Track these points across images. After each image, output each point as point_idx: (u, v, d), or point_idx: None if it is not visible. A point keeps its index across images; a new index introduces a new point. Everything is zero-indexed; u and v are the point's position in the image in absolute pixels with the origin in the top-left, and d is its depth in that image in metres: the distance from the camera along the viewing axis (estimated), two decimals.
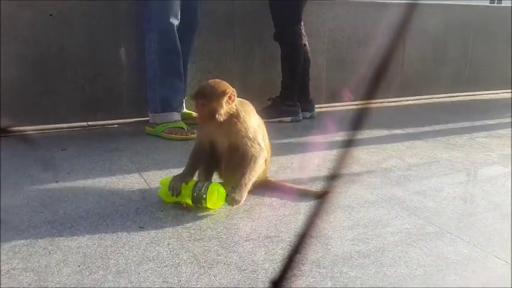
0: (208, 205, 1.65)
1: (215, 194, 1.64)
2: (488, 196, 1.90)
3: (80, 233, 1.48)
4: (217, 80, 1.72)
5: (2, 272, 1.25)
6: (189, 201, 1.66)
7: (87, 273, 1.26)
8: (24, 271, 1.26)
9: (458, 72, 4.30)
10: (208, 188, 1.64)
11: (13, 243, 1.40)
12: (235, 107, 1.69)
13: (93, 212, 1.64)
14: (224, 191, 1.67)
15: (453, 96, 4.20)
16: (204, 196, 1.63)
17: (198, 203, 1.65)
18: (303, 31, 3.09)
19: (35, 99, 2.70)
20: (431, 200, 1.83)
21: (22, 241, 1.42)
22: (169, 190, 1.67)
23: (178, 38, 2.62)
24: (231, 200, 1.63)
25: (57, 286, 1.19)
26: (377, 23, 3.58)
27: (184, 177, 1.70)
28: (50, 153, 2.29)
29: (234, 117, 1.69)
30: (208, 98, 1.64)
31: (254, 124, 1.75)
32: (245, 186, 1.67)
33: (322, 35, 3.53)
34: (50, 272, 1.26)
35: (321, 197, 0.52)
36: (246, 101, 1.80)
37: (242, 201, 1.66)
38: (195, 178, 1.77)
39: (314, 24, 3.45)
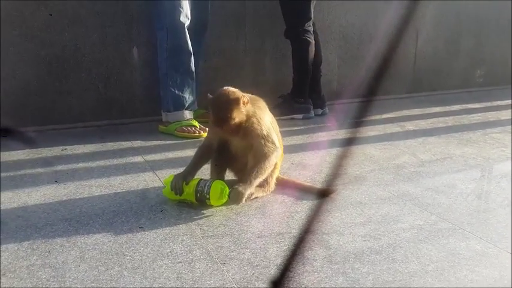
0: (213, 203, 1.67)
1: (218, 192, 1.66)
2: (502, 192, 1.89)
3: (96, 230, 1.51)
4: (227, 88, 1.71)
5: (22, 268, 1.28)
6: (193, 200, 1.69)
7: (104, 269, 1.29)
8: (43, 267, 1.29)
9: (471, 67, 4.26)
10: (210, 188, 1.66)
11: (31, 240, 1.44)
12: (247, 108, 1.70)
13: (109, 210, 1.67)
14: (227, 189, 1.67)
15: (467, 92, 4.16)
16: (207, 196, 1.65)
17: (202, 202, 1.68)
18: (314, 27, 3.09)
19: (51, 99, 2.75)
20: (444, 196, 1.83)
21: (40, 238, 1.45)
22: (171, 190, 1.70)
23: (189, 37, 2.64)
24: (234, 194, 1.62)
25: (75, 282, 1.23)
26: (388, 17, 3.55)
27: (185, 176, 1.71)
28: (65, 152, 2.34)
29: (248, 117, 1.70)
30: (223, 110, 1.65)
31: (267, 122, 1.76)
32: (251, 183, 1.65)
33: (334, 31, 3.53)
34: (67, 268, 1.29)
35: (326, 194, 0.52)
36: (258, 97, 1.81)
37: (245, 197, 1.63)
38: (207, 176, 1.79)
39: (325, 21, 3.45)
